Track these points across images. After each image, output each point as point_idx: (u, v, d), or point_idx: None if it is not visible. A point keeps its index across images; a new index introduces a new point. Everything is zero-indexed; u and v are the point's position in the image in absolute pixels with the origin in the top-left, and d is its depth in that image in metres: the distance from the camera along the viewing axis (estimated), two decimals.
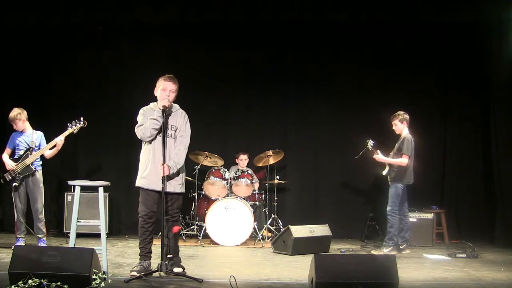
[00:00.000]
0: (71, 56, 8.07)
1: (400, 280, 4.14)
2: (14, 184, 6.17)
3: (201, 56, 8.13)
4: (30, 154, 6.24)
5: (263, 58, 8.24)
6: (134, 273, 4.59)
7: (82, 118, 6.32)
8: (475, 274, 5.21)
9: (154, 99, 4.92)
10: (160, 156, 4.64)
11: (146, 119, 4.74)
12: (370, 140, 6.77)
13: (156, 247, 4.88)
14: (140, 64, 7.92)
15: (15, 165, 6.18)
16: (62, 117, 7.87)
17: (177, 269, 4.68)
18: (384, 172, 6.83)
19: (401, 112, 6.75)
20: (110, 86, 8.15)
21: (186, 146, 4.87)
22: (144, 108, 4.90)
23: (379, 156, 6.71)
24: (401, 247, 6.63)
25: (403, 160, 6.55)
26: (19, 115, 6.29)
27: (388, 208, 6.59)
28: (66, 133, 6.26)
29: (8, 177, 6.19)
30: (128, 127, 7.82)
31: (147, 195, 4.75)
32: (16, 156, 6.28)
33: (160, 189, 4.64)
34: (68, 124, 6.30)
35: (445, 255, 6.45)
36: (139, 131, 4.77)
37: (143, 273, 4.52)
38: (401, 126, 6.74)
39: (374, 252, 6.67)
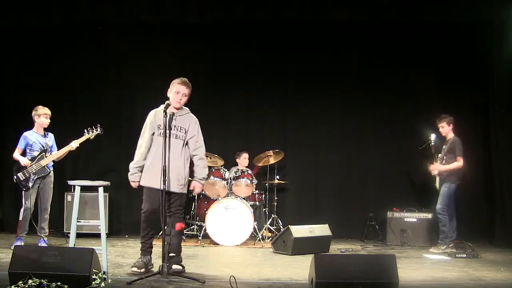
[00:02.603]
0: (71, 56, 8.07)
1: (400, 280, 4.13)
2: (28, 184, 6.14)
3: (201, 56, 8.14)
4: (45, 156, 6.24)
5: (263, 58, 8.24)
6: (135, 269, 4.67)
7: (99, 125, 6.39)
8: (475, 274, 5.21)
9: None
10: (161, 156, 4.63)
11: (153, 127, 4.84)
12: (433, 134, 6.88)
13: (157, 247, 4.89)
14: (140, 64, 7.94)
15: (29, 166, 6.14)
16: (62, 117, 7.89)
17: (176, 266, 4.71)
18: (436, 172, 6.90)
19: (446, 115, 6.86)
20: (110, 86, 8.16)
21: (204, 156, 5.06)
22: (150, 114, 4.96)
23: (437, 167, 6.78)
24: (449, 246, 6.68)
25: (460, 163, 6.68)
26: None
27: (438, 206, 6.69)
28: (82, 139, 6.35)
29: (22, 176, 6.15)
30: (128, 127, 7.90)
31: (150, 192, 4.82)
32: (29, 157, 6.22)
33: (155, 186, 4.71)
34: (85, 129, 6.37)
35: (445, 255, 6.44)
36: (137, 149, 4.92)
37: (144, 276, 4.50)
38: (448, 128, 6.84)
39: (432, 249, 6.72)
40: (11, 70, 8.07)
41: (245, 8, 7.07)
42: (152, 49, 8.05)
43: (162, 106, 4.91)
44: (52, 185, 6.39)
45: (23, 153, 6.28)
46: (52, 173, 6.38)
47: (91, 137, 6.37)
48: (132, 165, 4.92)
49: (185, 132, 4.89)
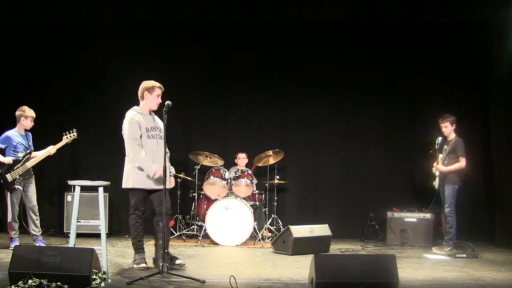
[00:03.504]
0: (71, 56, 8.07)
1: (400, 280, 4.14)
2: (14, 186, 6.14)
3: (201, 56, 8.14)
4: (30, 158, 6.25)
5: (263, 58, 8.24)
6: (144, 265, 4.96)
7: (75, 130, 6.42)
8: (475, 274, 5.21)
9: None
10: (151, 157, 4.95)
11: (139, 130, 5.00)
12: (440, 138, 6.89)
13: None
14: (140, 64, 7.92)
15: (16, 168, 6.14)
16: (62, 118, 7.91)
17: (179, 261, 4.94)
18: (437, 173, 6.89)
19: (449, 114, 6.86)
20: (110, 86, 8.14)
21: None
22: (132, 117, 5.07)
23: (439, 167, 6.78)
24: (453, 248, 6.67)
25: (462, 164, 6.68)
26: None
27: (447, 209, 6.68)
28: (61, 144, 6.37)
29: (10, 178, 6.13)
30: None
31: (140, 194, 5.02)
32: (14, 158, 6.21)
33: (151, 187, 4.99)
34: (64, 133, 6.38)
35: (445, 255, 6.44)
36: (134, 154, 5.01)
37: (144, 275, 4.51)
38: (450, 128, 6.84)
39: (435, 250, 6.72)
40: (11, 70, 8.05)
41: (245, 8, 7.07)
42: (152, 49, 8.05)
43: (135, 110, 5.13)
44: (34, 183, 6.40)
45: (2, 153, 6.22)
46: (33, 175, 6.40)
47: (69, 142, 6.42)
48: (145, 169, 4.97)
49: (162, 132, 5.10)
